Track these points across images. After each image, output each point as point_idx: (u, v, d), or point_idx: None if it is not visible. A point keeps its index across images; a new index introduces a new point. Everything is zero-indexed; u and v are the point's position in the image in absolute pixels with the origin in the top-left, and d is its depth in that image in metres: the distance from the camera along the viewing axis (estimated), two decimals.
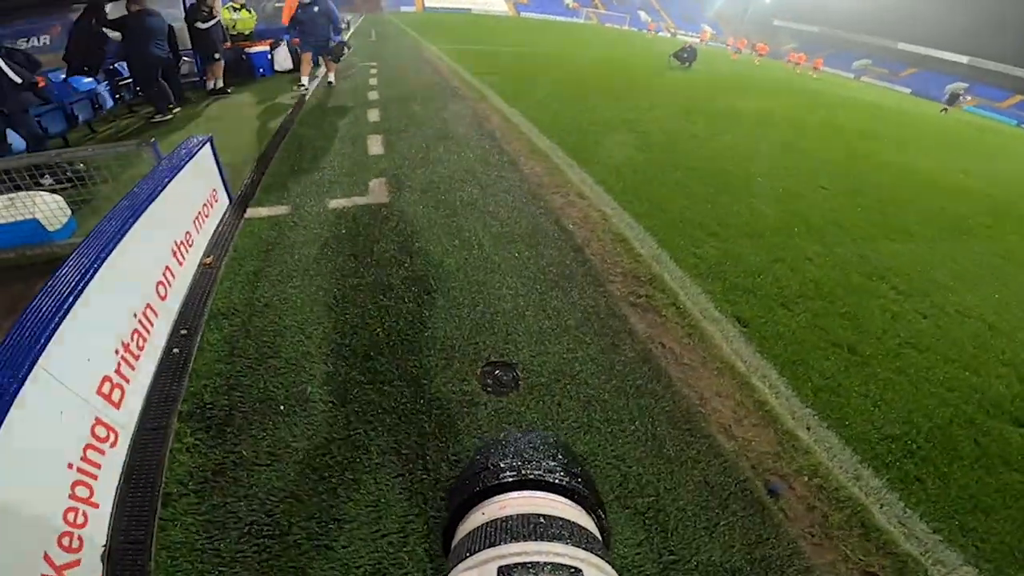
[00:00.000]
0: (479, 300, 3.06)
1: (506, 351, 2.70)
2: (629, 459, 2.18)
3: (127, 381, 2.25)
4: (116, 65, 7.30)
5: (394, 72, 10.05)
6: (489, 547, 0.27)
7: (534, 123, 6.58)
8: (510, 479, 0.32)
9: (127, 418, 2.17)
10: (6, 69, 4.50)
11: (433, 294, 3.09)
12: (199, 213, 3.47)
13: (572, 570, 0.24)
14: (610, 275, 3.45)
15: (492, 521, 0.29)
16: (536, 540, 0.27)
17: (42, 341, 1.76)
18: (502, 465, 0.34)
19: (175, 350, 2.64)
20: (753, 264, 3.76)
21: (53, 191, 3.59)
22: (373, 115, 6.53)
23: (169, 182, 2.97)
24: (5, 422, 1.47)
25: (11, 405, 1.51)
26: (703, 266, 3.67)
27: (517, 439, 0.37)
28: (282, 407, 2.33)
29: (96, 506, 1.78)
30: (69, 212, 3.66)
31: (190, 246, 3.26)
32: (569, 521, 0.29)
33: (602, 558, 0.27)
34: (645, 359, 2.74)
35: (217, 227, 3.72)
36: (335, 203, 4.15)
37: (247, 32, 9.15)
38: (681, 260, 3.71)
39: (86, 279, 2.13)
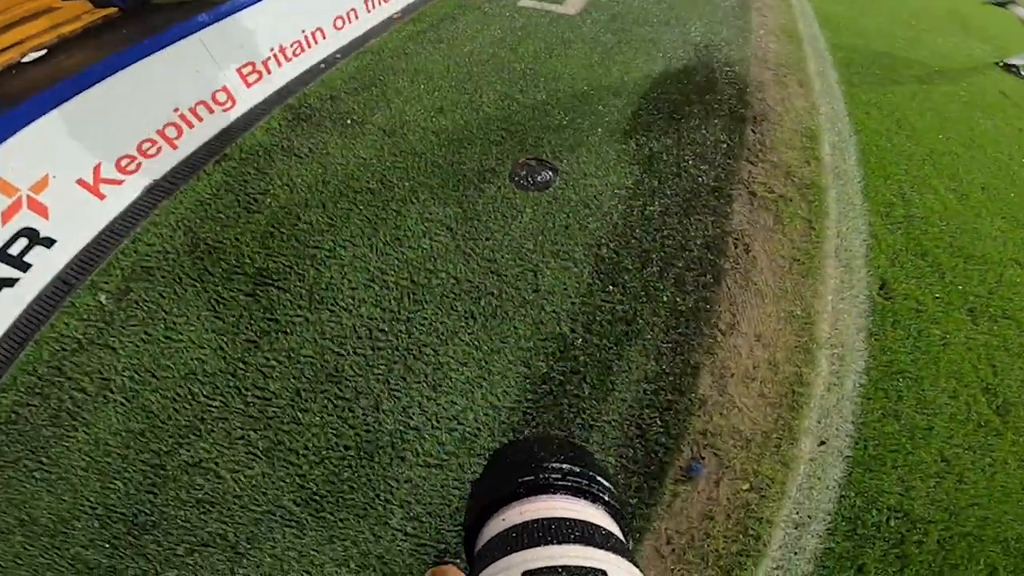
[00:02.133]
0: (575, 120, 2.72)
1: (566, 158, 2.40)
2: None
3: (268, 72, 2.76)
4: None
5: None
6: (512, 553, 0.27)
7: None
8: (529, 483, 0.32)
9: (249, 97, 2.69)
10: None
11: (534, 96, 2.85)
12: None
13: (597, 572, 0.24)
14: (756, 156, 2.63)
15: (514, 527, 0.29)
16: (559, 544, 0.27)
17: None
18: (521, 470, 0.33)
19: (322, 64, 3.09)
20: (983, 253, 2.40)
21: None
22: None
23: None
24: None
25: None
26: (899, 213, 2.49)
27: (533, 443, 0.36)
28: (349, 121, 2.57)
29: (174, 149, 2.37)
30: None
31: (386, 1, 3.61)
32: (590, 523, 0.29)
33: (625, 557, 0.27)
34: (709, 245, 2.12)
35: None
36: (525, 2, 3.99)
37: None
38: (874, 191, 2.58)
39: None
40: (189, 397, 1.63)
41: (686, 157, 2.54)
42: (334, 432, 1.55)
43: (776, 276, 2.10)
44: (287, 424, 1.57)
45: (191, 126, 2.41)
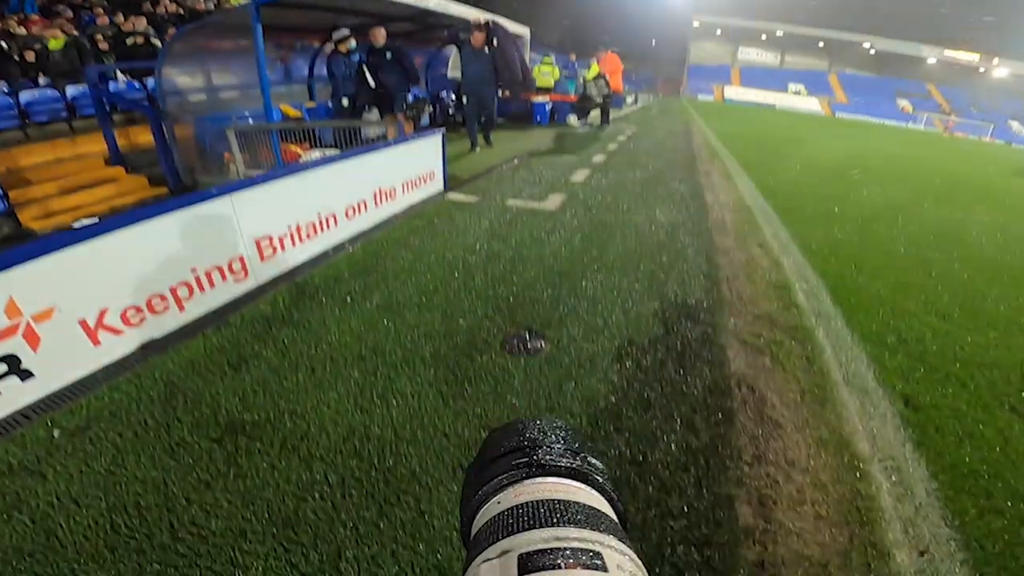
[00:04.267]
0: (561, 295, 2.92)
1: (556, 328, 2.49)
2: None
3: (282, 249, 3.08)
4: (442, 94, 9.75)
5: (648, 132, 10.99)
6: (507, 536, 0.27)
7: (754, 179, 5.93)
8: (524, 466, 0.33)
9: (261, 272, 2.92)
10: (368, 76, 6.35)
11: (523, 276, 3.11)
12: (410, 181, 4.47)
13: (592, 553, 0.25)
14: (737, 311, 2.75)
15: (509, 509, 0.29)
16: (553, 526, 0.27)
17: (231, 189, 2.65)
18: (515, 453, 0.34)
19: (331, 251, 3.45)
20: (993, 360, 2.40)
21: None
22: (598, 158, 7.04)
23: (383, 148, 4.02)
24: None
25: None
26: (891, 340, 2.54)
27: (528, 425, 0.37)
28: (349, 299, 2.75)
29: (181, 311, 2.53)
30: None
31: (392, 198, 4.23)
32: (585, 505, 0.29)
33: (620, 540, 0.27)
34: (712, 389, 2.07)
35: (424, 197, 4.71)
36: (512, 202, 4.67)
37: (547, 86, 11.05)
38: (860, 324, 2.66)
39: (290, 174, 3.09)
40: (107, 526, 1.40)
41: (671, 316, 2.65)
42: None
43: (791, 409, 2.00)
44: (220, 564, 1.30)
45: (203, 290, 2.52)
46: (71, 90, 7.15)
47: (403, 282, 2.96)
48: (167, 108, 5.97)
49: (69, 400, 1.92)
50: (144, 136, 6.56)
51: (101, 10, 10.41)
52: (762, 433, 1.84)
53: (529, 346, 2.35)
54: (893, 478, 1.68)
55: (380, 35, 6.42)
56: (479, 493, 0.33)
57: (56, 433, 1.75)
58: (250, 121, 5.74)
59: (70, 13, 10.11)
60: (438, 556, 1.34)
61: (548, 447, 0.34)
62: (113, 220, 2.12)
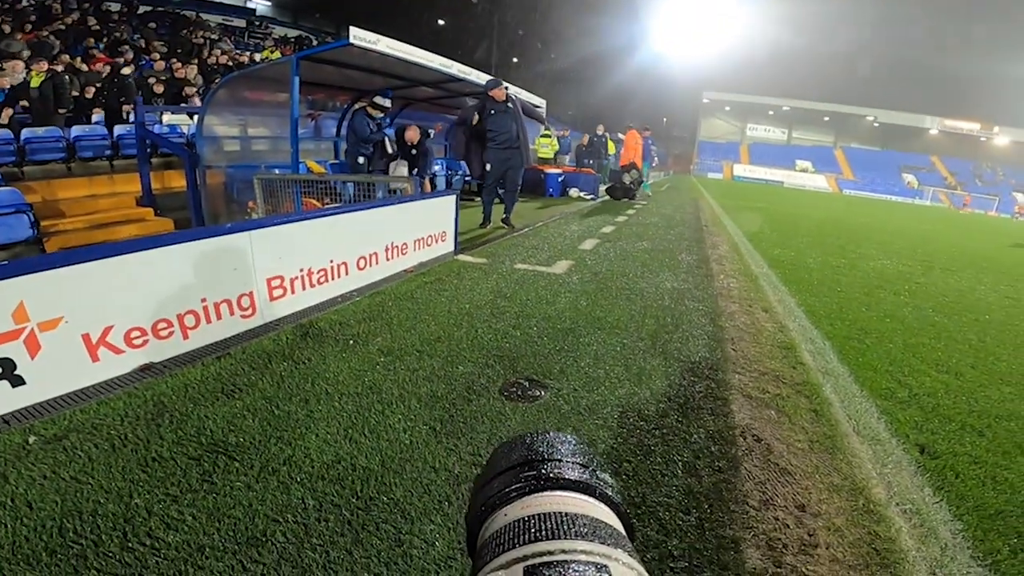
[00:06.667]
0: (564, 350, 2.94)
1: (557, 379, 2.48)
2: None
3: (292, 292, 3.17)
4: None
5: (661, 204, 11.52)
6: (513, 548, 0.27)
7: (760, 250, 6.09)
8: (532, 479, 0.33)
9: (268, 311, 3.00)
10: (388, 143, 6.71)
11: (527, 331, 3.15)
12: (421, 239, 4.65)
13: (599, 566, 0.24)
14: (741, 368, 2.71)
15: (515, 521, 0.29)
16: (560, 539, 0.27)
17: (250, 225, 2.81)
18: (523, 466, 0.34)
19: (339, 298, 3.54)
20: (1009, 411, 2.34)
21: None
22: (608, 228, 7.29)
23: (398, 204, 4.28)
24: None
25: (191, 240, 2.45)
26: (903, 395, 2.47)
27: (536, 439, 0.37)
28: (352, 341, 2.81)
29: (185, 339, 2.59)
30: None
31: (403, 253, 4.38)
32: (592, 518, 0.29)
33: (628, 553, 0.27)
34: (715, 438, 2.00)
35: (435, 256, 4.88)
36: (520, 266, 4.80)
37: (547, 157, 11.83)
38: (867, 382, 2.60)
39: (309, 218, 3.28)
40: (55, 530, 1.32)
41: (674, 372, 2.63)
42: None
43: (799, 457, 1.92)
44: None
45: (209, 321, 2.54)
46: (118, 129, 7.65)
47: (407, 330, 3.00)
48: (203, 153, 6.30)
49: (55, 411, 1.91)
50: (178, 180, 6.95)
51: (158, 55, 11.53)
52: (769, 479, 1.75)
53: (528, 393, 2.33)
54: (913, 520, 1.59)
55: (414, 133, 6.71)
56: (486, 504, 0.32)
57: (31, 439, 1.73)
58: (277, 171, 5.96)
59: (131, 54, 11.12)
60: None
61: (556, 460, 0.34)
62: (133, 242, 2.24)
